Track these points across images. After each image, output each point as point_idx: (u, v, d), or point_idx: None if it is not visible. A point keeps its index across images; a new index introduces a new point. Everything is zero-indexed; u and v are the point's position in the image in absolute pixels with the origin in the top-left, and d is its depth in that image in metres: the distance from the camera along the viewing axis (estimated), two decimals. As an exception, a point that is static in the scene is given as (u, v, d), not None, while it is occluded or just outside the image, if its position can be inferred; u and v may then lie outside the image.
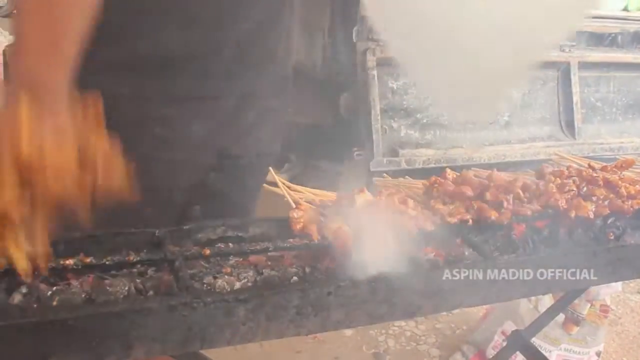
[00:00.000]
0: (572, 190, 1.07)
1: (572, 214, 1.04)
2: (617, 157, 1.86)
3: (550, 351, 2.20)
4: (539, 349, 1.89)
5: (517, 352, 1.75)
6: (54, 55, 0.88)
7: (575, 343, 2.24)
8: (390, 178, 1.22)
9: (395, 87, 2.54)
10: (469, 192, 1.00)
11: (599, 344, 2.31)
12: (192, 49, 1.09)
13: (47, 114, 0.84)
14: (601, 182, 1.10)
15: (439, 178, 1.05)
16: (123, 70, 1.07)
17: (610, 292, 2.31)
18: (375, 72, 2.45)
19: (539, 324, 1.57)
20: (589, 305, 2.22)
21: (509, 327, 2.21)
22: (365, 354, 2.43)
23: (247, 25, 1.13)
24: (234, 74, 1.16)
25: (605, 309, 2.25)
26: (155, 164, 1.06)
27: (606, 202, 1.08)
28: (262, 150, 1.33)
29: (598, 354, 2.32)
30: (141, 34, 1.04)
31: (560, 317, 2.13)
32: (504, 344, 2.09)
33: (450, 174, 1.05)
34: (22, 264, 0.75)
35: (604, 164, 1.22)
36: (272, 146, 1.38)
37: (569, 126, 2.85)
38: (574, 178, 1.09)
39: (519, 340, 1.48)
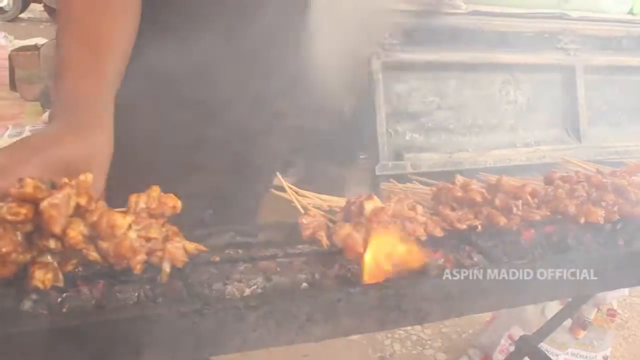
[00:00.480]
0: (582, 195, 1.07)
1: (582, 220, 1.04)
2: (622, 160, 1.85)
3: (557, 355, 2.20)
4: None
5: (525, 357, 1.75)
6: (97, 76, 0.91)
7: (582, 347, 2.23)
8: (397, 183, 1.22)
9: (400, 91, 2.54)
10: (478, 198, 1.00)
11: (606, 348, 2.30)
12: (205, 54, 1.10)
13: (88, 131, 0.86)
14: (610, 188, 1.09)
15: (447, 184, 1.05)
16: (138, 77, 1.08)
17: (617, 296, 2.31)
18: (380, 76, 2.45)
19: (547, 329, 1.57)
20: (596, 309, 2.21)
21: (516, 331, 2.21)
22: (372, 358, 2.43)
23: (258, 30, 1.14)
24: (247, 77, 1.18)
25: (612, 313, 2.25)
26: (171, 170, 1.07)
27: (616, 208, 1.08)
28: (271, 154, 1.34)
29: (605, 358, 2.31)
30: (155, 41, 1.05)
31: (567, 321, 2.13)
32: (511, 348, 2.09)
33: (459, 180, 1.05)
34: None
35: (613, 168, 1.22)
36: (281, 149, 1.39)
37: (575, 130, 2.85)
38: (583, 183, 1.09)
39: (527, 346, 1.47)
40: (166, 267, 0.78)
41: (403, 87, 2.65)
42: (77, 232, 0.72)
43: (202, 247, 0.82)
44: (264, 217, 1.43)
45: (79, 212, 0.75)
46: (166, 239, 0.79)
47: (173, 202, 0.82)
